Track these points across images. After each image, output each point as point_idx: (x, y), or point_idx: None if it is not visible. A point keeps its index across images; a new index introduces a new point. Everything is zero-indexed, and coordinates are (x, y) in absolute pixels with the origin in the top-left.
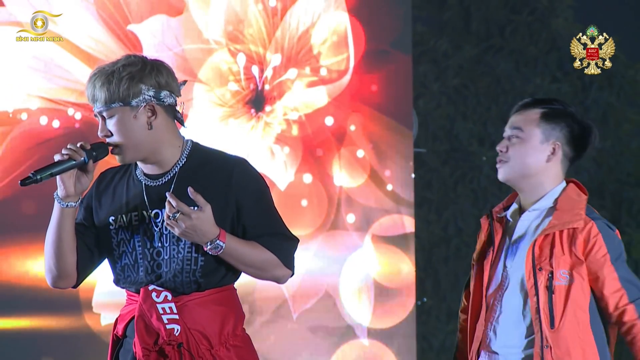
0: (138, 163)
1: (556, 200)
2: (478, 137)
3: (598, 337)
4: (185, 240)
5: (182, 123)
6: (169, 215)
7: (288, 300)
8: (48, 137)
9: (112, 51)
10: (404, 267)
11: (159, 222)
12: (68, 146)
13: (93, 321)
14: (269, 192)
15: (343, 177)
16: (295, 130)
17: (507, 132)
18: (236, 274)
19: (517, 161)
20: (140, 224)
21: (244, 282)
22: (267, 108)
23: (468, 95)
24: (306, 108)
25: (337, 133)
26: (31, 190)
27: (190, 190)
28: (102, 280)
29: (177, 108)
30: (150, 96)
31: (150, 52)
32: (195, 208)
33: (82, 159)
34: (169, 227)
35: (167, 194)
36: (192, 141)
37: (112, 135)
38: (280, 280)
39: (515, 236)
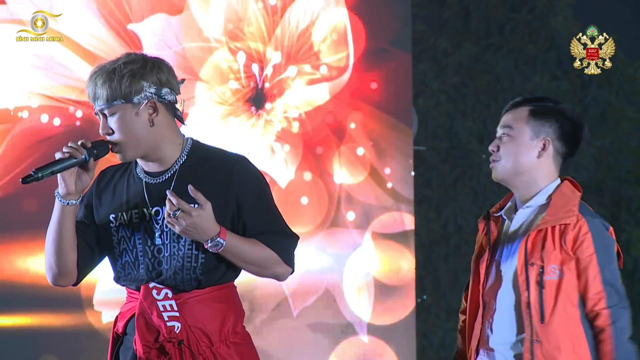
0: (138, 161)
1: (550, 197)
2: (477, 135)
3: (589, 332)
4: (185, 238)
5: (182, 121)
6: (169, 213)
7: (288, 297)
8: (49, 134)
9: (113, 49)
10: (404, 264)
11: (160, 219)
12: (69, 144)
13: (94, 318)
14: (269, 189)
15: (343, 174)
16: (295, 128)
17: (499, 132)
18: (236, 272)
19: (509, 159)
20: (140, 222)
21: (244, 279)
22: (268, 106)
23: (467, 93)
24: (306, 106)
25: (337, 131)
26: (32, 187)
27: (190, 188)
28: (103, 278)
29: (177, 106)
30: (151, 93)
31: (150, 50)
32: (196, 206)
33: (83, 157)
34: (169, 225)
35: (167, 192)
36: (192, 139)
37: (113, 132)
38: (280, 278)
39: (509, 234)
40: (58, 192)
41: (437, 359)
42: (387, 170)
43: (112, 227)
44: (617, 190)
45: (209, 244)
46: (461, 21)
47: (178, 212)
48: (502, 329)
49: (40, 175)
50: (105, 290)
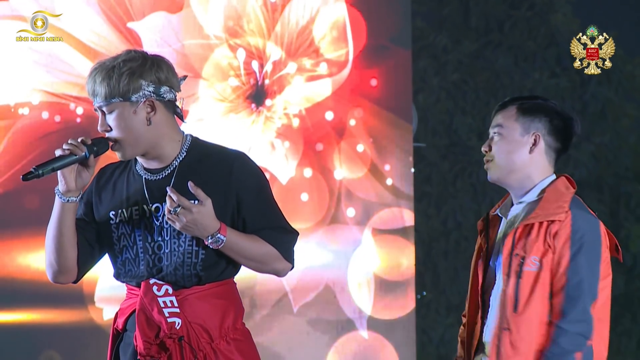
0: (138, 158)
1: (543, 191)
2: (477, 131)
3: None
4: (186, 234)
5: (181, 118)
6: (169, 209)
7: (288, 293)
8: (49, 131)
9: (114, 46)
10: (404, 261)
11: (160, 216)
12: (69, 141)
13: (96, 314)
14: (269, 185)
15: (343, 171)
16: (295, 125)
17: (490, 132)
18: (236, 268)
19: (502, 157)
20: (141, 219)
21: (244, 275)
22: (268, 102)
23: (467, 90)
24: (306, 102)
25: (337, 127)
26: (33, 184)
27: (190, 184)
28: (104, 275)
29: (177, 103)
30: (150, 92)
31: (150, 48)
32: (196, 202)
33: (83, 154)
34: (170, 222)
35: (167, 189)
36: (191, 136)
37: (111, 130)
38: (280, 274)
39: (502, 231)
40: (58, 189)
41: (436, 355)
42: (387, 167)
43: (112, 224)
44: (616, 186)
45: (210, 240)
46: (461, 18)
47: (178, 209)
48: (492, 325)
49: (40, 172)
50: (107, 287)
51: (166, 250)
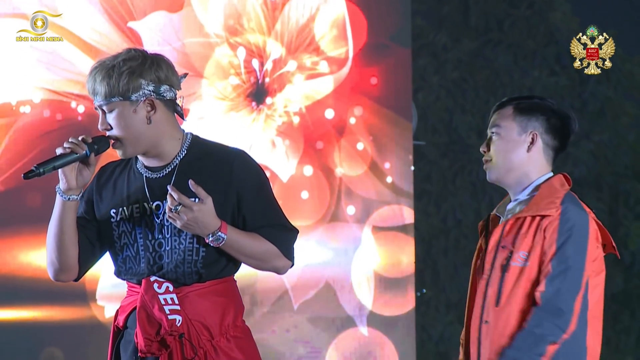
0: (139, 156)
1: (538, 187)
2: (477, 130)
3: None
4: (186, 232)
5: (182, 116)
6: (170, 208)
7: (289, 291)
8: (51, 129)
9: (115, 44)
10: (404, 258)
11: (160, 214)
12: (70, 139)
13: (98, 311)
14: (269, 183)
15: (343, 169)
16: (296, 123)
17: (488, 133)
18: (236, 265)
19: (500, 156)
20: (141, 216)
21: (245, 273)
22: (268, 101)
23: (467, 89)
24: (307, 100)
25: (338, 125)
26: (34, 182)
27: (191, 183)
28: (106, 272)
29: (177, 101)
30: (149, 91)
31: (151, 47)
32: (197, 200)
33: (84, 152)
34: (170, 220)
35: (168, 187)
36: (192, 134)
37: (112, 128)
38: (280, 271)
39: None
40: (59, 188)
41: (436, 352)
42: (387, 165)
43: (112, 222)
44: (615, 185)
45: (210, 238)
46: (460, 17)
47: (179, 207)
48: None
49: (41, 170)
50: (108, 285)
51: (167, 248)
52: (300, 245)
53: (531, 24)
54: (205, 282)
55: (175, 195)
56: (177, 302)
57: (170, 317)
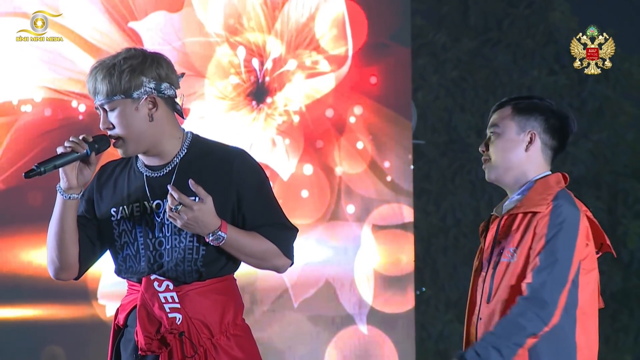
0: (139, 155)
1: (534, 182)
2: (476, 129)
3: None
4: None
5: (181, 115)
6: (171, 207)
7: (289, 289)
8: (52, 128)
9: (116, 44)
10: (403, 257)
11: (161, 212)
12: (70, 138)
13: (99, 310)
14: (269, 182)
15: (343, 167)
16: (296, 122)
17: (487, 133)
18: (236, 264)
19: (498, 155)
20: (142, 215)
21: (245, 271)
22: (268, 100)
23: (466, 88)
24: (306, 99)
25: (338, 124)
26: (35, 180)
27: (191, 182)
28: (107, 272)
29: (177, 100)
30: (151, 88)
31: (151, 47)
32: (197, 199)
33: (85, 151)
34: (171, 219)
35: (169, 187)
36: (192, 133)
37: (113, 127)
38: (280, 270)
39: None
40: (60, 186)
41: (435, 351)
42: (387, 164)
43: (113, 220)
44: (614, 184)
45: (210, 238)
46: (460, 16)
47: (180, 207)
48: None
49: (42, 169)
50: (110, 284)
51: (167, 247)
52: (300, 244)
53: (530, 23)
54: (205, 280)
55: (175, 195)
56: (177, 300)
57: (170, 315)
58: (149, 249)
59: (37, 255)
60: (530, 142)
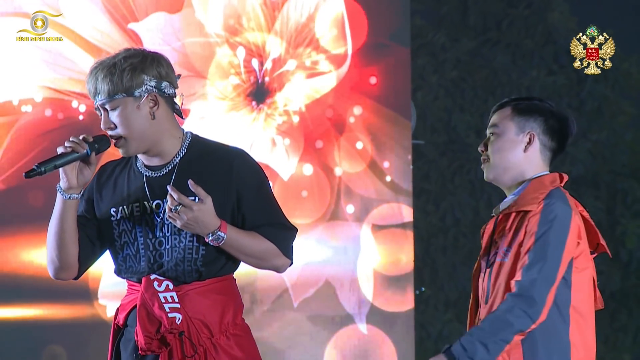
0: (139, 155)
1: (529, 180)
2: (475, 129)
3: None
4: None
5: (180, 115)
6: (171, 207)
7: (289, 289)
8: (52, 128)
9: (117, 44)
10: (403, 256)
11: (161, 212)
12: (71, 139)
13: (101, 309)
14: (268, 182)
15: (343, 168)
16: (296, 122)
17: (487, 133)
18: (236, 264)
19: (497, 155)
20: (142, 215)
21: (245, 271)
22: (268, 100)
23: (465, 88)
24: (306, 100)
25: (337, 124)
26: (35, 181)
27: (190, 182)
28: (108, 271)
29: (176, 100)
30: (152, 86)
31: (151, 48)
32: (197, 199)
33: (85, 151)
34: (170, 220)
35: (168, 187)
36: (191, 133)
37: (115, 127)
38: (279, 270)
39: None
40: (60, 186)
41: (434, 350)
42: (386, 164)
43: (113, 220)
44: (613, 183)
45: (210, 238)
46: (459, 16)
47: (179, 207)
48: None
49: (43, 169)
50: (111, 283)
51: (167, 247)
52: (300, 244)
53: (529, 23)
54: (205, 280)
55: (175, 195)
56: (177, 300)
57: (170, 315)
58: (149, 249)
59: (38, 255)
60: (529, 142)
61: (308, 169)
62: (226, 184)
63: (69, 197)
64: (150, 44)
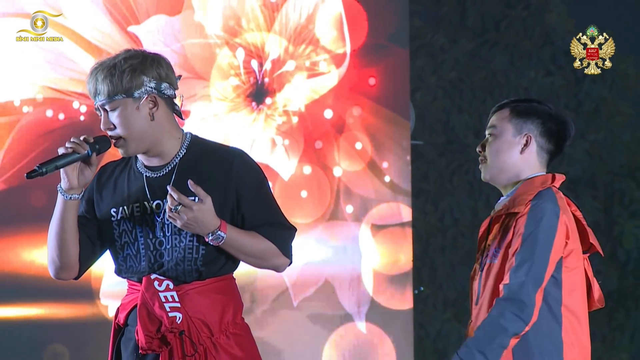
0: (139, 155)
1: (522, 182)
2: (474, 129)
3: None
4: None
5: (180, 116)
6: (171, 208)
7: (289, 288)
8: (53, 128)
9: (118, 44)
10: (402, 256)
11: (161, 212)
12: (72, 139)
13: (104, 308)
14: (268, 182)
15: (342, 168)
16: (295, 123)
17: (485, 133)
18: (235, 263)
19: (493, 157)
20: (142, 216)
21: (245, 271)
22: (268, 101)
23: (464, 89)
24: (306, 100)
25: (337, 125)
26: (37, 180)
27: (190, 183)
28: (109, 271)
29: (176, 101)
30: (151, 87)
31: (151, 49)
32: (197, 200)
33: (86, 152)
34: (171, 220)
35: (168, 187)
36: (191, 134)
37: (115, 128)
38: (278, 269)
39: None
40: (61, 187)
41: (433, 349)
42: (385, 164)
43: (113, 221)
44: (610, 183)
45: (210, 238)
46: (458, 18)
47: (179, 207)
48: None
49: (44, 170)
50: (113, 283)
51: (167, 246)
52: (299, 244)
53: (527, 25)
54: (205, 279)
55: (175, 195)
56: (177, 299)
57: (170, 314)
58: (149, 249)
59: (39, 255)
60: (526, 144)
61: (307, 169)
62: (226, 184)
63: (70, 198)
64: (150, 46)
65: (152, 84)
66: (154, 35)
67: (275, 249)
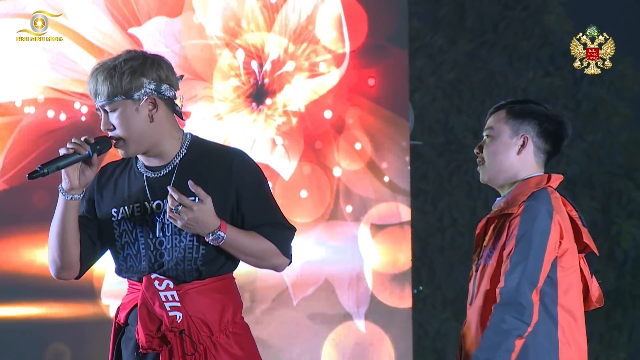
0: (139, 156)
1: (516, 182)
2: (472, 130)
3: None
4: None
5: (180, 117)
6: (171, 208)
7: (289, 288)
8: (54, 128)
9: (119, 45)
10: (401, 256)
11: (161, 213)
12: (73, 140)
13: (105, 307)
14: (267, 182)
15: (341, 168)
16: (295, 123)
17: (483, 135)
18: (235, 263)
19: (491, 158)
20: (142, 216)
21: (245, 270)
22: (268, 101)
23: (463, 90)
24: (305, 101)
25: (336, 125)
26: (38, 180)
27: (190, 183)
28: (111, 271)
29: (176, 102)
30: (151, 89)
31: (151, 50)
32: (197, 200)
33: (87, 152)
34: (171, 220)
35: (169, 188)
36: (191, 134)
37: (114, 128)
38: (278, 269)
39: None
40: (62, 187)
41: (432, 348)
42: (385, 164)
43: (113, 221)
44: (608, 184)
45: (210, 238)
46: (456, 19)
47: (180, 207)
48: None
49: (45, 170)
50: (114, 282)
51: (167, 246)
52: (299, 243)
53: (526, 26)
54: (205, 279)
55: (175, 196)
56: (177, 299)
57: (170, 313)
58: (149, 249)
59: (41, 254)
60: (523, 145)
61: (307, 169)
62: (225, 184)
63: (71, 198)
64: (151, 48)
65: (152, 86)
66: (155, 37)
67: (275, 249)
